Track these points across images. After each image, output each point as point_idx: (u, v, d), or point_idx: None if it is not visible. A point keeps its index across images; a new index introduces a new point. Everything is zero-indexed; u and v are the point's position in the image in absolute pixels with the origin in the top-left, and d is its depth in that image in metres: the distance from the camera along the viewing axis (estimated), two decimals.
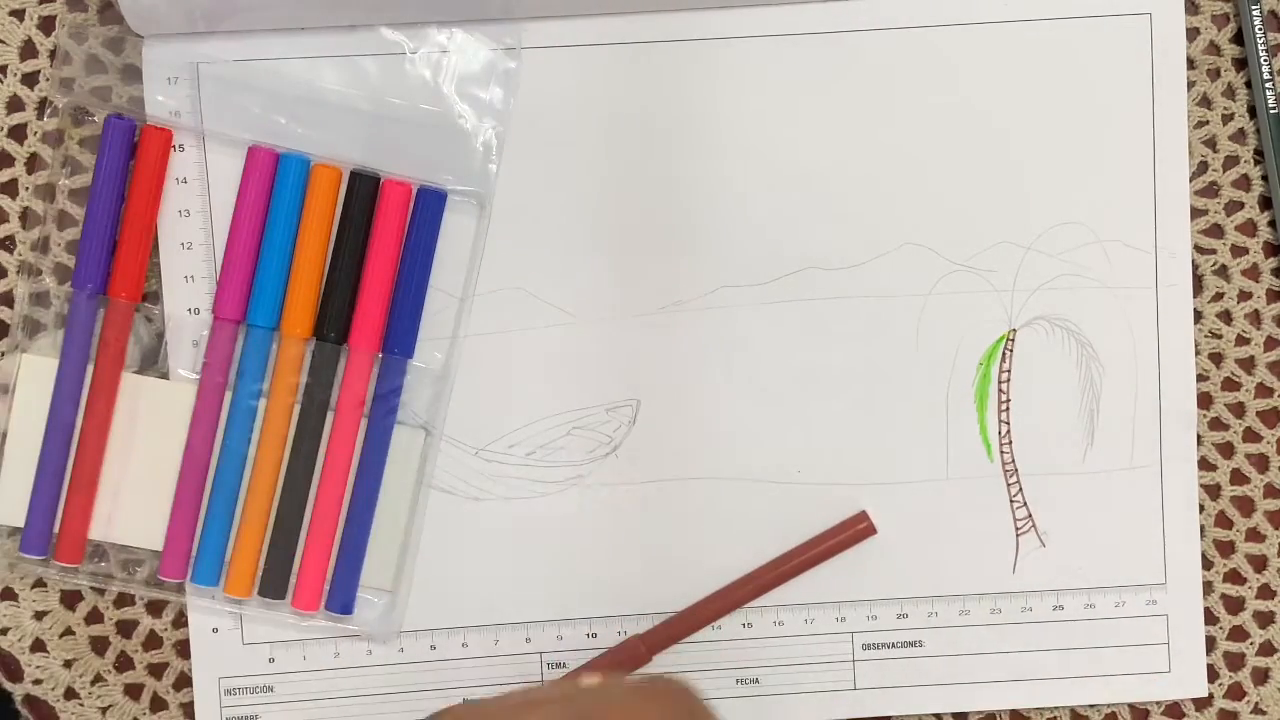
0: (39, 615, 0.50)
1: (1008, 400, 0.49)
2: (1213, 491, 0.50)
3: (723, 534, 0.49)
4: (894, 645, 0.50)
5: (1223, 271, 0.50)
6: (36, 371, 0.48)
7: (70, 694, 0.50)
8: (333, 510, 0.48)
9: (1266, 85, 0.49)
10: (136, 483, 0.48)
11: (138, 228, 0.47)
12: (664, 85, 0.48)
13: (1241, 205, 0.50)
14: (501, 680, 0.50)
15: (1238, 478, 0.50)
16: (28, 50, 0.49)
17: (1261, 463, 0.50)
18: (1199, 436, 0.50)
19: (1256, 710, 0.51)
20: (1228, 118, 0.49)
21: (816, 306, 0.49)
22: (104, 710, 0.50)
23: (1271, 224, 0.50)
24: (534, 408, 0.49)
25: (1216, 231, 0.50)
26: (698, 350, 0.49)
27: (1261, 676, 0.51)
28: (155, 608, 0.50)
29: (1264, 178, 0.49)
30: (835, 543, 0.49)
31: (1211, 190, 0.50)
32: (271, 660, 0.50)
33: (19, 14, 0.48)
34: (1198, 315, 0.50)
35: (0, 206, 0.49)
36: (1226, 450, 0.50)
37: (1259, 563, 0.50)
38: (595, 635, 0.50)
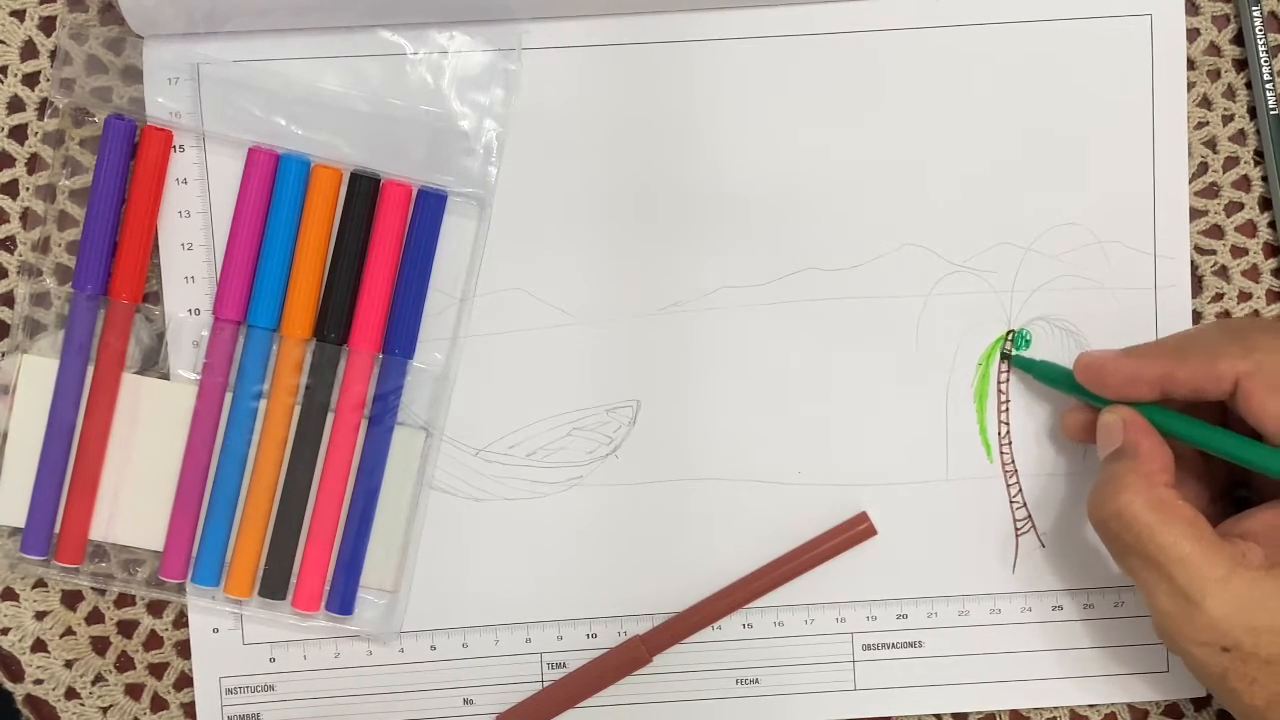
0: (40, 615, 0.50)
1: (1007, 401, 0.49)
2: None
3: (723, 534, 0.49)
4: (894, 645, 0.50)
5: (1222, 272, 0.50)
6: (37, 372, 0.48)
7: (71, 694, 0.50)
8: (333, 511, 0.48)
9: (1267, 86, 0.49)
10: (137, 483, 0.48)
11: (138, 228, 0.47)
12: (664, 86, 0.48)
13: (1241, 206, 0.50)
14: (501, 680, 0.50)
15: None
16: (28, 51, 0.49)
17: None
18: None
19: None
20: (1228, 118, 0.49)
21: (816, 307, 0.49)
22: (105, 710, 0.50)
23: (1271, 225, 0.50)
24: (534, 408, 0.49)
25: (1216, 232, 0.50)
26: (698, 350, 0.49)
27: None
28: (156, 608, 0.50)
29: (1264, 178, 0.49)
30: (836, 544, 0.49)
31: (1211, 191, 0.50)
32: (272, 660, 0.50)
33: (19, 14, 0.48)
34: (1197, 316, 0.50)
35: (1, 207, 0.49)
36: None
37: None
38: (595, 635, 0.50)
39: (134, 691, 0.50)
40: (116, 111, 0.47)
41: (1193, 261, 0.50)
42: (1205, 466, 0.47)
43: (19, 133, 0.49)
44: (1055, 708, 0.51)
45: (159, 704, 0.50)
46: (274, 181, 0.47)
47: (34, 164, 0.49)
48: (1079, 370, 0.46)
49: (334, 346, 0.48)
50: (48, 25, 0.48)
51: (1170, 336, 0.46)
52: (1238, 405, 0.43)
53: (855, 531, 0.49)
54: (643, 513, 0.49)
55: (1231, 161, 0.50)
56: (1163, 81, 0.49)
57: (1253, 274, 0.50)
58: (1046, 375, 0.48)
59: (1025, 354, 0.49)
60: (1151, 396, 0.44)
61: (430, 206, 0.47)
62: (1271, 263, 0.50)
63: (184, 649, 0.50)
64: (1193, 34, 0.49)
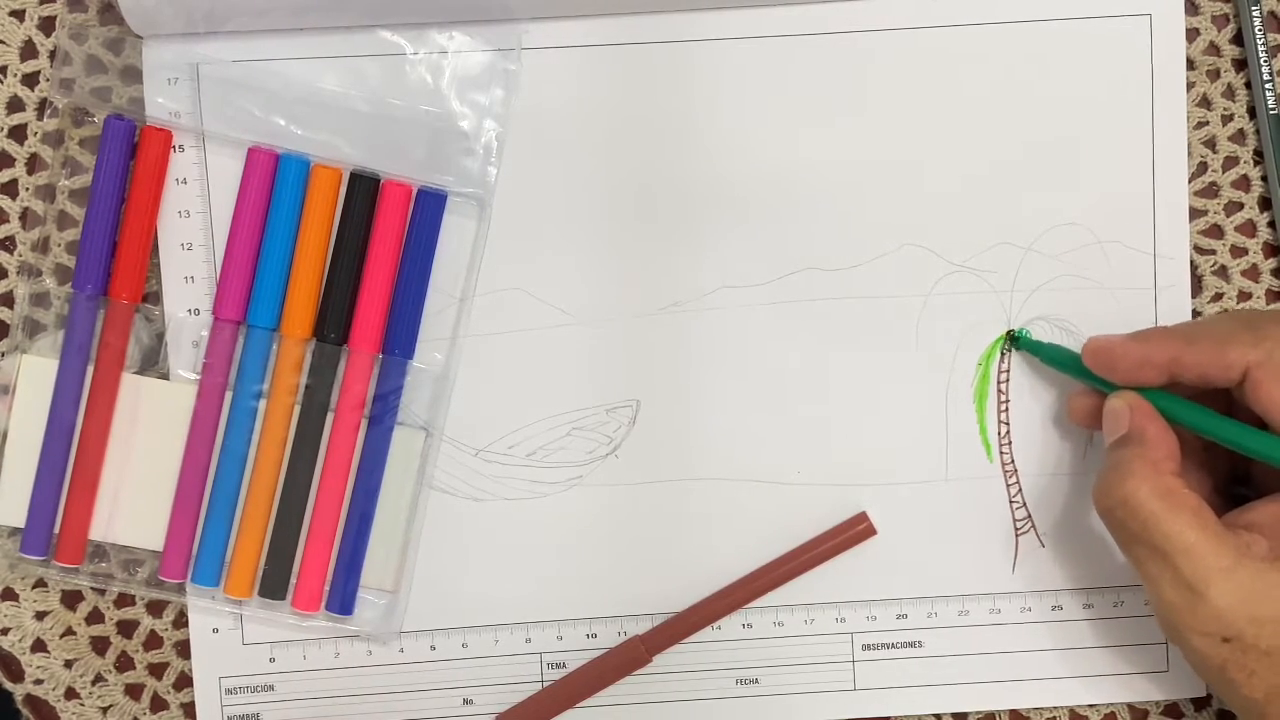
0: (40, 615, 0.50)
1: (1007, 401, 0.49)
2: None
3: (723, 534, 0.49)
4: (894, 645, 0.50)
5: (1222, 272, 0.50)
6: (37, 372, 0.48)
7: (71, 694, 0.50)
8: (333, 511, 0.48)
9: (1266, 86, 0.49)
10: (137, 483, 0.48)
11: (138, 228, 0.47)
12: (664, 86, 0.48)
13: (1241, 206, 0.50)
14: (501, 680, 0.50)
15: None
16: (28, 51, 0.49)
17: None
18: None
19: None
20: (1227, 118, 0.49)
21: (816, 306, 0.49)
22: (105, 710, 0.50)
23: (1271, 225, 0.50)
24: (534, 408, 0.49)
25: (1216, 232, 0.50)
26: (698, 350, 0.49)
27: None
28: (156, 608, 0.50)
29: (1264, 178, 0.49)
30: (835, 543, 0.49)
31: (1211, 191, 0.50)
32: (272, 660, 0.50)
33: (19, 14, 0.48)
34: (1196, 316, 0.50)
35: (0, 207, 0.49)
36: None
37: None
38: (595, 635, 0.50)
39: (134, 691, 0.50)
40: (116, 111, 0.47)
41: (1192, 261, 0.50)
42: (1207, 457, 0.47)
43: (19, 133, 0.49)
44: (1055, 707, 0.51)
45: (159, 704, 0.50)
46: (274, 181, 0.47)
47: (34, 164, 0.49)
48: (1088, 354, 0.46)
49: (334, 346, 0.48)
50: (48, 25, 0.48)
51: (1181, 323, 0.47)
52: (1246, 394, 0.43)
53: (855, 531, 0.49)
54: (643, 513, 0.49)
55: (1231, 161, 0.50)
56: (1162, 81, 0.49)
57: (1252, 274, 0.50)
58: (1054, 358, 0.48)
59: (1032, 338, 0.49)
60: (1159, 381, 0.44)
61: (430, 206, 0.47)
62: (1271, 263, 0.50)
63: (184, 649, 0.50)
64: (1192, 34, 0.49)
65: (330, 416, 0.48)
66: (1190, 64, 0.49)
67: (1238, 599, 0.41)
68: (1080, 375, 0.47)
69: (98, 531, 0.48)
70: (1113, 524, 0.44)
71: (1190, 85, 0.49)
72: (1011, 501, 0.50)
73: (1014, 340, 0.49)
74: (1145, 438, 0.44)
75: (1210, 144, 0.49)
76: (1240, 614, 0.41)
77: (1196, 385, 0.44)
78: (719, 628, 0.50)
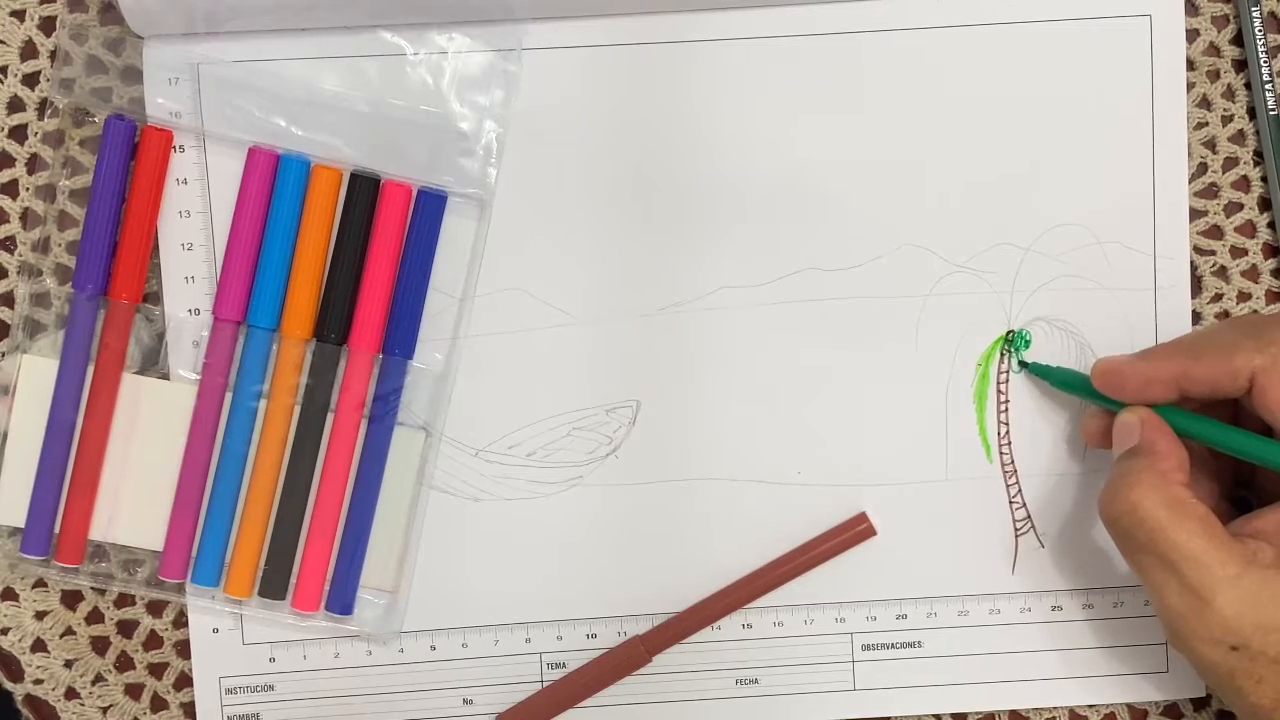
0: (40, 615, 0.50)
1: (1007, 401, 0.49)
2: None
3: (722, 534, 0.50)
4: (893, 646, 0.50)
5: (1222, 273, 0.50)
6: (37, 372, 0.48)
7: (71, 694, 0.50)
8: (333, 511, 0.48)
9: (1266, 87, 0.49)
10: (137, 483, 0.48)
11: (138, 229, 0.47)
12: (664, 86, 0.48)
13: (1241, 206, 0.50)
14: (501, 680, 0.50)
15: None
16: (28, 51, 0.49)
17: None
18: None
19: None
20: (1227, 119, 0.49)
21: (816, 307, 0.49)
22: (105, 710, 0.50)
23: (1271, 225, 0.50)
24: (534, 408, 0.49)
25: (1216, 233, 0.50)
26: (698, 350, 0.49)
27: None
28: (156, 608, 0.50)
29: (1263, 179, 0.49)
30: (835, 544, 0.49)
31: (1211, 191, 0.50)
32: (272, 660, 0.50)
33: (19, 15, 0.48)
34: (1196, 316, 0.50)
35: (1, 207, 0.49)
36: None
37: None
38: (595, 635, 0.50)
39: (134, 691, 0.50)
40: (116, 111, 0.47)
41: (1192, 262, 0.50)
42: (1215, 466, 0.47)
43: (19, 133, 0.49)
44: (1055, 708, 0.51)
45: (159, 704, 0.50)
46: (274, 181, 0.47)
47: (34, 164, 0.49)
48: (1097, 376, 0.46)
49: (334, 346, 0.48)
50: (48, 25, 0.48)
51: (1185, 336, 0.47)
52: (1254, 401, 0.43)
53: (855, 532, 0.49)
54: (642, 513, 0.49)
55: (1231, 162, 0.50)
56: (1162, 82, 0.49)
57: (1252, 274, 0.50)
58: (1063, 381, 0.48)
59: (1039, 361, 0.49)
60: (1169, 397, 0.45)
61: (430, 207, 0.48)
62: (1271, 263, 0.50)
63: (184, 649, 0.50)
64: (1192, 34, 0.49)
65: (330, 416, 0.48)
66: (1190, 65, 0.49)
67: (1244, 606, 0.41)
68: (1089, 396, 0.47)
69: (98, 531, 0.48)
70: (1118, 533, 0.44)
71: (1190, 86, 0.49)
72: (1011, 502, 0.50)
73: (1022, 364, 0.49)
74: (1155, 449, 0.44)
75: (1210, 144, 0.49)
76: (1247, 621, 0.41)
77: (1205, 398, 0.44)
78: (719, 628, 0.50)
